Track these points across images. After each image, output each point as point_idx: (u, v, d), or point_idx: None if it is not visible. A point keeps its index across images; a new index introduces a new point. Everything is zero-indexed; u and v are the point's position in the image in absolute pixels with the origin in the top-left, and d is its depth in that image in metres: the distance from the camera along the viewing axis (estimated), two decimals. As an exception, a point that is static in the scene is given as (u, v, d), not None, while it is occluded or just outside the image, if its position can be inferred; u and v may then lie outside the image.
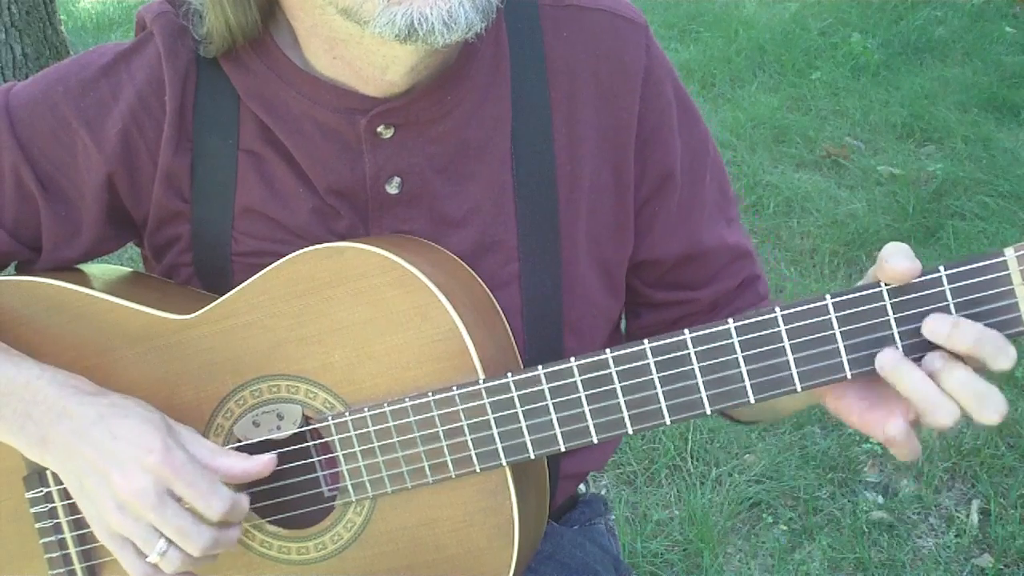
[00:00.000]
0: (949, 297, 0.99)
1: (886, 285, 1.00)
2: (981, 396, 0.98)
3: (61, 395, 1.17)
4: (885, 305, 1.00)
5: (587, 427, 1.10)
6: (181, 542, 1.11)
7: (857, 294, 1.01)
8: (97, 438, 1.13)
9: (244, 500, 1.15)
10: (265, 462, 1.15)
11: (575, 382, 1.09)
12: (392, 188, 1.23)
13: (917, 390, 1.00)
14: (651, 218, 1.31)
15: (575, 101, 1.25)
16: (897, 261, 0.98)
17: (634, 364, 1.07)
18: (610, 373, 1.08)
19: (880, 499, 2.84)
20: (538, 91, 1.24)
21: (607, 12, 1.27)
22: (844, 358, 1.02)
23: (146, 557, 1.13)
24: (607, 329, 1.36)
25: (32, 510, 1.27)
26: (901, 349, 1.01)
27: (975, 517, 2.76)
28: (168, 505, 1.10)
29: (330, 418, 1.17)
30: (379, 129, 1.21)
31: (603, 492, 2.90)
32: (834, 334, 1.02)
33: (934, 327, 0.99)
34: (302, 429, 1.19)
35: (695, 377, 1.06)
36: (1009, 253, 0.97)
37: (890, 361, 1.00)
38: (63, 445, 1.15)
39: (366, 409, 1.16)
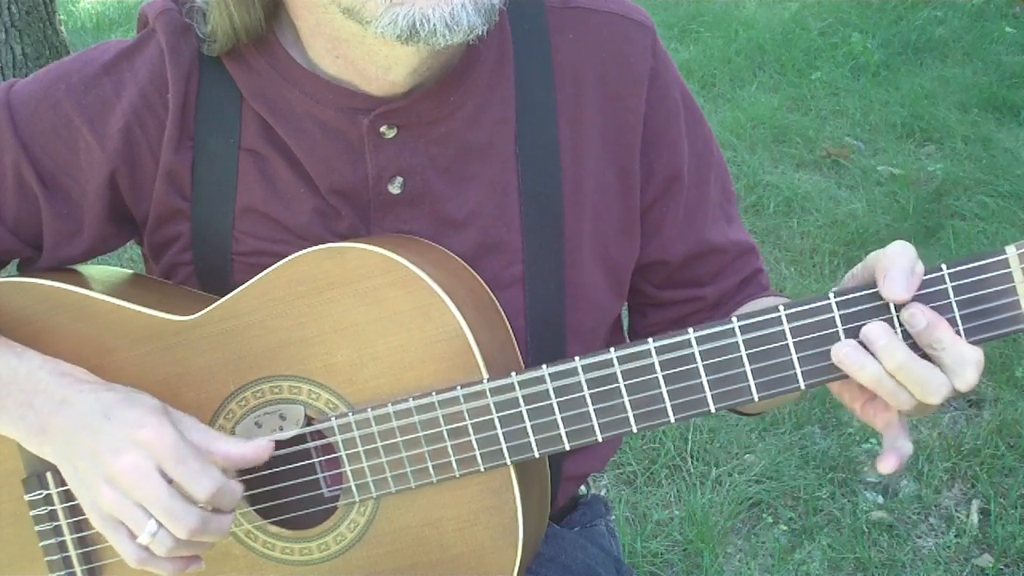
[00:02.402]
0: (951, 295, 1.00)
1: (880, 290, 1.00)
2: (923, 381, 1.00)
3: (62, 384, 1.17)
4: (888, 304, 1.00)
5: (592, 426, 1.10)
6: (168, 522, 1.10)
7: (861, 293, 1.01)
8: (93, 422, 1.13)
9: (236, 486, 1.14)
10: (261, 446, 1.15)
11: (579, 381, 1.09)
12: (394, 188, 1.23)
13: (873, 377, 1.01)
14: (659, 220, 1.31)
15: (580, 103, 1.25)
16: (894, 290, 0.99)
17: (638, 363, 1.07)
18: (614, 372, 1.08)
19: (880, 499, 2.84)
20: (543, 93, 1.24)
21: (614, 14, 1.27)
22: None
23: (137, 539, 1.12)
24: (608, 329, 1.36)
25: (32, 512, 1.27)
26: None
27: (975, 517, 2.76)
28: (157, 483, 1.09)
29: (333, 419, 1.17)
30: (382, 129, 1.21)
31: (603, 492, 2.90)
32: (837, 332, 1.02)
33: (872, 332, 1.01)
34: (305, 430, 1.19)
35: (699, 376, 1.06)
36: (1010, 251, 0.98)
37: (845, 353, 1.02)
38: (61, 433, 1.15)
39: (369, 409, 1.15)
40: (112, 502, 1.12)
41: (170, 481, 1.11)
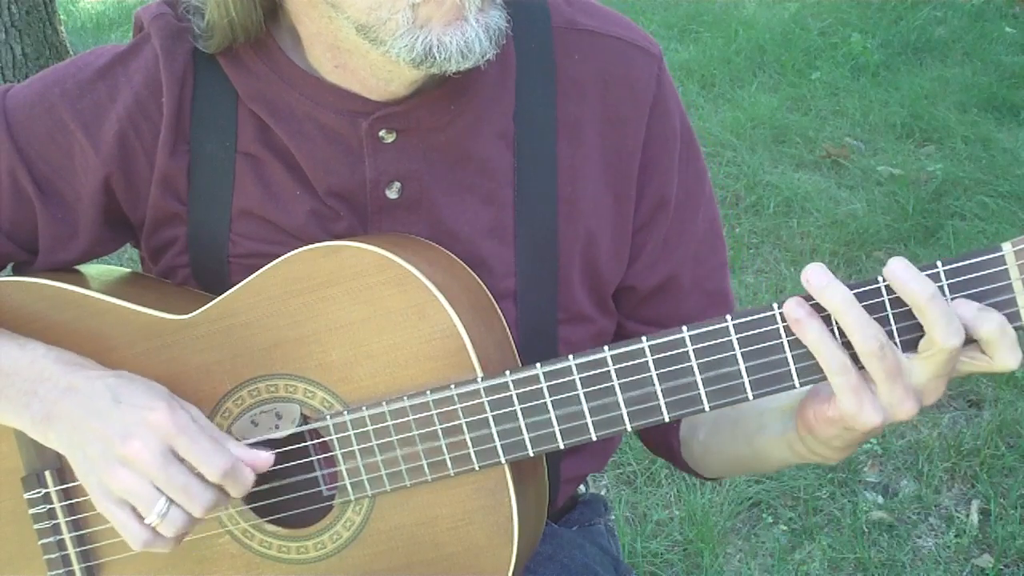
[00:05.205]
0: (947, 292, 0.99)
1: (885, 281, 1.00)
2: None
3: (67, 371, 1.18)
4: (883, 301, 1.00)
5: (586, 424, 1.10)
6: (184, 501, 1.11)
7: (857, 290, 1.01)
8: (101, 407, 1.14)
9: (247, 471, 1.14)
10: (262, 459, 1.15)
11: (573, 380, 1.09)
12: (392, 193, 1.23)
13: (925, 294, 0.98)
14: (641, 245, 1.31)
15: (582, 123, 1.25)
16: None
17: (632, 362, 1.07)
18: (608, 371, 1.08)
19: (880, 499, 2.84)
20: (545, 109, 1.24)
21: (621, 40, 1.27)
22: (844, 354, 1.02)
23: (144, 519, 1.13)
24: (602, 344, 1.35)
25: (31, 511, 1.28)
26: (900, 345, 1.01)
27: (975, 517, 2.76)
28: (172, 463, 1.11)
29: (328, 417, 1.17)
30: (381, 133, 1.21)
31: (603, 492, 2.90)
32: (833, 330, 1.02)
33: (965, 311, 0.98)
34: (300, 428, 1.19)
35: (693, 374, 1.06)
36: (1007, 248, 0.98)
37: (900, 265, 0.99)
38: (68, 419, 1.16)
39: (364, 408, 1.15)
40: (125, 483, 1.12)
41: (182, 461, 1.12)
